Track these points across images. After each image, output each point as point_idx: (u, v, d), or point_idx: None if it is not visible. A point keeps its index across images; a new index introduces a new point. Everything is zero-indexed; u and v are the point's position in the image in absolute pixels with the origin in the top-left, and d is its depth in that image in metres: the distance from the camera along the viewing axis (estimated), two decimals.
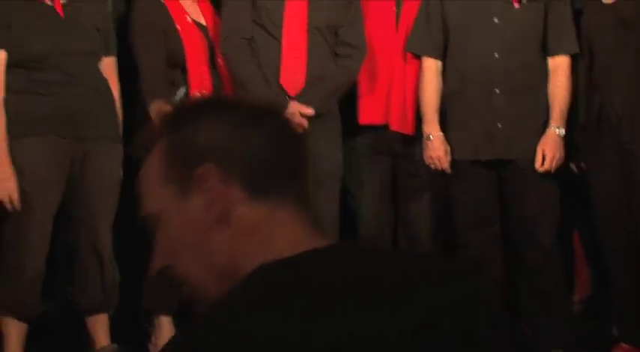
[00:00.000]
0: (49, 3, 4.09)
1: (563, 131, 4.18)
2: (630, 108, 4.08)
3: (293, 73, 4.23)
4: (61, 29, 4.07)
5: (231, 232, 1.40)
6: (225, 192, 1.42)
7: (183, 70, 4.25)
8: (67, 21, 4.10)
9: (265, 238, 1.41)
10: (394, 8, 4.38)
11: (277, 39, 4.23)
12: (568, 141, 4.24)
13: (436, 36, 4.27)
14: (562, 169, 4.25)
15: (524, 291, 4.27)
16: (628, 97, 4.09)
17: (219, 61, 4.30)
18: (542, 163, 4.16)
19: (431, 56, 4.27)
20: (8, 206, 3.95)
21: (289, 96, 4.20)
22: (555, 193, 4.25)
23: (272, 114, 1.49)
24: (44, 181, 4.04)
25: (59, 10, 4.09)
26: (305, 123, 4.16)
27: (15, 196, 3.96)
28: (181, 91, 4.26)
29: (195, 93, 4.21)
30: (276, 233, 1.41)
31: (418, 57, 4.31)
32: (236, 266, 1.39)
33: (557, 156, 4.15)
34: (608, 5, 4.14)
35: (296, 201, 1.44)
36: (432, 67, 4.26)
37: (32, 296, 4.06)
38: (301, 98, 4.20)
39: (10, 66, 4.02)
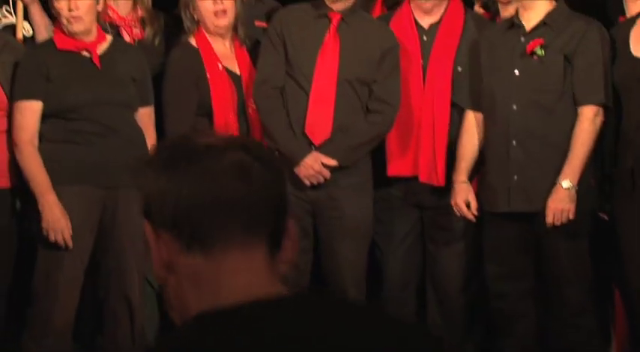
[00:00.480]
0: (86, 54, 4.16)
1: (570, 183, 4.07)
2: None
3: (319, 123, 4.28)
4: (97, 81, 4.15)
5: (177, 279, 1.42)
6: (161, 246, 1.44)
7: (210, 117, 4.29)
8: (104, 72, 4.18)
9: (208, 286, 1.40)
10: (421, 61, 4.42)
11: (306, 91, 4.28)
12: (597, 190, 4.23)
13: (478, 89, 4.29)
14: (592, 221, 4.21)
15: (555, 347, 4.22)
16: None
17: (250, 109, 4.35)
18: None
19: (473, 109, 4.29)
20: (61, 244, 4.00)
21: (314, 146, 4.25)
22: (584, 247, 4.19)
23: (212, 160, 1.43)
24: (77, 232, 4.07)
25: (96, 61, 4.16)
26: (326, 173, 4.22)
27: (67, 236, 4.03)
28: None
29: None
30: (220, 281, 1.40)
31: (461, 109, 4.33)
32: (185, 309, 1.41)
33: (566, 209, 4.06)
34: (637, 58, 4.11)
35: (246, 247, 1.41)
36: (470, 118, 4.28)
37: (62, 347, 4.07)
38: (325, 149, 4.24)
39: (47, 116, 4.09)
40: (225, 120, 4.29)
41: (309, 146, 4.27)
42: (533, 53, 4.14)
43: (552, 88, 4.15)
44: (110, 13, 4.45)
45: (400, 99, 4.34)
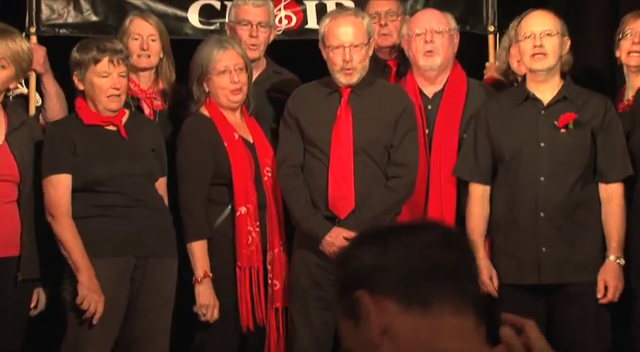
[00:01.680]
0: (111, 128, 4.17)
1: (622, 261, 4.14)
2: None
3: (341, 197, 4.27)
4: (122, 154, 4.16)
5: (394, 346, 1.47)
6: (379, 311, 1.48)
7: (229, 186, 4.28)
8: (129, 145, 4.19)
9: (424, 348, 1.46)
10: (426, 131, 4.43)
11: (326, 165, 4.28)
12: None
13: (482, 161, 4.29)
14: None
15: None
16: None
17: (265, 178, 4.34)
18: (605, 294, 4.11)
19: (477, 182, 4.29)
20: (90, 315, 3.99)
21: (339, 220, 4.24)
22: (608, 322, 4.18)
23: (425, 228, 1.56)
24: (110, 304, 4.04)
25: (124, 134, 4.18)
26: None
27: (100, 309, 4.01)
28: (226, 212, 4.30)
29: (241, 209, 4.25)
30: (435, 343, 1.45)
31: (465, 182, 4.32)
32: None
33: (620, 286, 4.12)
34: None
35: (460, 312, 1.47)
36: (478, 191, 4.28)
37: None
38: (347, 222, 4.23)
39: (75, 190, 4.07)
40: (246, 189, 4.28)
41: (334, 220, 4.25)
42: (565, 126, 4.17)
43: (581, 162, 4.17)
44: (132, 85, 4.45)
45: (418, 160, 4.32)
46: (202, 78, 4.33)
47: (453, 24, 4.56)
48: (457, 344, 1.46)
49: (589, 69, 4.97)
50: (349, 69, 4.25)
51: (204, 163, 4.29)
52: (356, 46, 4.24)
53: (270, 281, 4.33)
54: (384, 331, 1.48)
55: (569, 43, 4.29)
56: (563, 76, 4.31)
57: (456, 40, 4.55)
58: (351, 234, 4.16)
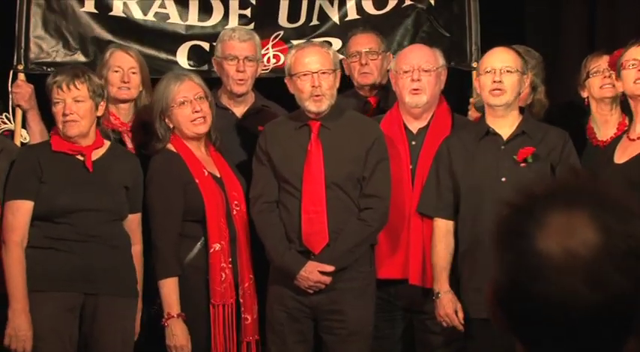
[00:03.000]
0: (81, 158, 4.13)
1: None
2: None
3: (315, 231, 4.24)
4: (87, 186, 4.10)
5: None
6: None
7: (202, 222, 4.23)
8: (95, 178, 4.13)
9: None
10: (410, 166, 4.42)
11: (297, 198, 4.26)
12: None
13: (446, 197, 4.27)
14: None
15: None
16: None
17: (235, 212, 4.29)
18: None
19: (441, 217, 4.27)
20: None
21: (314, 255, 4.21)
22: None
23: None
24: (49, 339, 3.99)
25: (89, 166, 4.12)
26: (326, 280, 4.19)
27: (28, 348, 3.94)
28: (198, 246, 4.25)
29: (215, 245, 4.20)
30: None
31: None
32: None
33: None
34: (619, 166, 4.15)
35: None
36: (442, 226, 4.25)
37: None
38: (322, 257, 4.21)
39: (34, 218, 4.04)
40: (219, 225, 4.23)
41: (308, 255, 4.22)
42: (524, 160, 4.16)
43: None
44: (112, 119, 4.46)
45: (390, 190, 4.30)
46: (164, 113, 4.30)
47: (441, 61, 4.56)
48: None
49: (565, 103, 5.00)
50: (318, 95, 4.24)
51: (174, 200, 4.24)
52: (323, 72, 4.25)
53: (242, 315, 4.27)
54: None
55: (528, 80, 4.31)
56: (521, 111, 4.32)
57: (443, 77, 4.54)
58: (326, 267, 4.19)
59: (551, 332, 1.32)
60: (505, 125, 4.25)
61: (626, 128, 4.40)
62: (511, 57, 4.25)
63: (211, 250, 4.21)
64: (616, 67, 4.22)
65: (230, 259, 4.24)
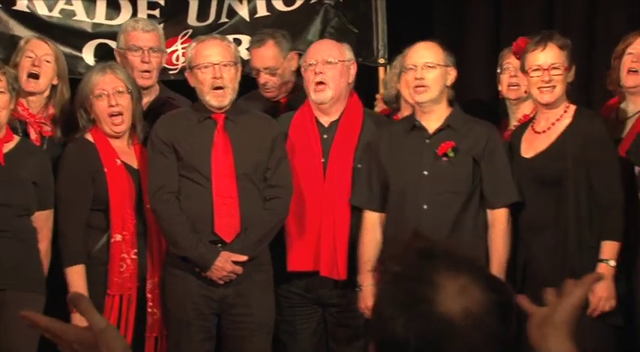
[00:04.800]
0: None
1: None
2: (556, 264, 4.04)
3: (228, 220, 4.19)
4: None
5: None
6: None
7: (107, 213, 4.17)
8: (5, 173, 4.06)
9: None
10: (322, 159, 4.39)
11: (207, 188, 4.19)
12: None
13: (375, 189, 4.26)
14: None
15: None
16: (553, 255, 4.07)
17: (148, 205, 4.22)
18: None
19: (370, 209, 4.26)
20: None
21: (224, 244, 4.16)
22: None
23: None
24: None
25: (1, 160, 4.06)
26: (239, 269, 4.14)
27: None
28: (104, 238, 4.20)
29: (116, 236, 4.15)
30: None
31: (360, 209, 4.29)
32: None
33: None
34: (527, 160, 4.19)
35: None
36: (370, 219, 4.24)
37: None
38: (234, 245, 4.17)
39: None
40: (122, 216, 4.18)
41: (217, 244, 4.17)
42: (445, 155, 4.17)
43: (462, 189, 4.16)
44: (20, 109, 4.33)
45: (292, 182, 4.30)
46: (85, 103, 4.25)
47: (349, 55, 4.49)
48: None
49: (474, 101, 5.07)
50: (220, 87, 4.20)
51: (82, 189, 4.19)
52: (225, 64, 4.21)
53: (150, 310, 4.22)
54: None
55: (454, 72, 4.27)
56: (451, 104, 4.31)
57: (353, 71, 4.48)
58: (239, 257, 4.15)
59: None
60: (432, 119, 4.24)
61: (530, 119, 4.42)
62: (432, 52, 4.23)
63: (112, 240, 4.15)
64: (521, 60, 4.22)
65: (136, 251, 4.18)
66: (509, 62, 4.55)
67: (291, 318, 4.41)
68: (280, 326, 4.37)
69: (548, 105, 4.16)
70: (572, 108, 4.19)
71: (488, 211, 4.20)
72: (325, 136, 4.46)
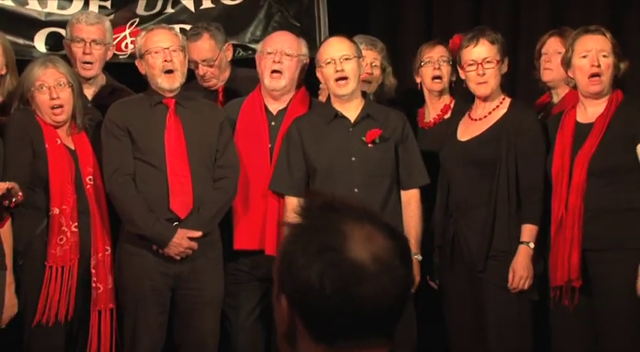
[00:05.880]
0: None
1: (419, 256, 4.31)
2: (483, 242, 4.21)
3: (181, 198, 4.29)
4: None
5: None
6: (291, 320, 1.47)
7: (47, 190, 4.21)
8: None
9: None
10: (269, 145, 4.53)
11: (162, 170, 4.29)
12: (428, 260, 4.40)
13: (296, 175, 4.37)
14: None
15: None
16: (481, 233, 4.22)
17: (87, 185, 4.29)
18: None
19: (292, 194, 4.35)
20: None
21: (179, 220, 4.27)
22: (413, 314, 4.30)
23: (341, 263, 1.44)
24: None
25: None
26: (194, 245, 4.26)
27: None
28: (44, 222, 4.23)
29: (54, 209, 4.18)
30: None
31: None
32: None
33: (415, 279, 4.23)
34: (463, 143, 4.35)
35: (364, 349, 1.45)
36: (293, 204, 4.31)
37: None
38: (188, 222, 4.27)
39: None
40: (62, 190, 4.21)
41: (173, 222, 4.27)
42: (372, 142, 4.34)
43: (388, 172, 4.35)
44: None
45: (239, 163, 4.41)
46: (26, 95, 4.27)
47: (305, 50, 4.65)
48: None
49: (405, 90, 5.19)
50: (171, 70, 4.31)
51: (23, 150, 4.21)
52: (174, 50, 4.33)
53: (94, 285, 4.26)
54: (287, 335, 1.51)
55: (364, 63, 4.45)
56: (363, 95, 4.49)
57: (305, 66, 4.63)
58: (195, 233, 4.26)
59: (361, 322, 1.45)
60: (351, 109, 4.39)
61: (451, 109, 4.66)
62: (346, 45, 4.38)
63: (51, 213, 4.19)
64: (458, 55, 4.39)
65: (76, 224, 4.22)
66: (430, 56, 4.71)
67: (236, 294, 4.53)
68: (226, 300, 4.47)
69: (486, 98, 4.34)
70: (508, 100, 4.37)
71: (403, 192, 4.39)
72: (273, 123, 4.59)
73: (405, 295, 1.48)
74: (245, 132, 4.58)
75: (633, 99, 4.22)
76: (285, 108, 4.63)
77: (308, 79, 4.77)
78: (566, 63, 4.21)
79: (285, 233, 1.53)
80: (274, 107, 4.64)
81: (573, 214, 4.08)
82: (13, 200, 3.80)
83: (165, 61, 4.31)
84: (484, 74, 4.30)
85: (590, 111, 4.19)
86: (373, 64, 4.86)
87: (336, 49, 4.37)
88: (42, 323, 4.18)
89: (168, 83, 4.34)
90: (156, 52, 4.34)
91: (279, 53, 4.56)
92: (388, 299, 1.44)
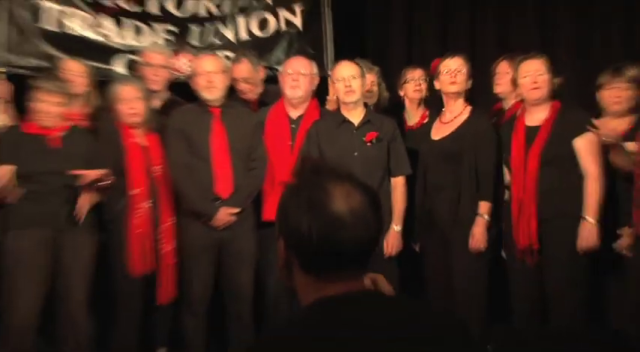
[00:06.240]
0: (47, 136, 4.14)
1: (399, 228, 4.36)
2: (451, 212, 4.31)
3: (223, 184, 4.34)
4: (52, 156, 4.14)
5: (293, 280, 1.48)
6: (288, 256, 1.46)
7: (126, 177, 4.26)
8: (62, 149, 4.15)
9: (313, 293, 1.44)
10: (290, 142, 4.65)
11: (209, 162, 4.33)
12: (409, 229, 4.43)
13: None
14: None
15: None
16: (449, 206, 4.31)
17: (155, 173, 4.35)
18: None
19: None
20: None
21: (222, 201, 4.30)
22: (396, 272, 4.34)
23: (328, 207, 1.40)
24: (32, 259, 4.02)
25: (53, 143, 4.17)
26: (233, 219, 4.30)
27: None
28: (122, 201, 4.29)
29: (133, 191, 4.23)
30: (326, 290, 1.42)
31: None
32: (300, 298, 1.47)
33: (396, 245, 4.34)
34: (435, 141, 4.41)
35: (343, 278, 1.42)
36: None
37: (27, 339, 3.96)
38: (230, 201, 4.31)
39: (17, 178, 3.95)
40: (137, 178, 4.24)
41: (217, 201, 4.31)
42: (370, 141, 4.38)
43: (382, 165, 4.40)
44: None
45: (267, 157, 4.47)
46: (110, 105, 4.39)
47: (315, 70, 4.70)
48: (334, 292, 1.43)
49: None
50: (212, 87, 4.39)
51: (109, 148, 4.29)
52: (215, 72, 4.41)
53: (161, 246, 4.30)
54: (285, 269, 1.51)
55: (367, 81, 4.52)
56: (365, 105, 4.54)
57: (316, 82, 4.69)
58: (234, 209, 4.30)
59: (341, 260, 1.44)
60: (355, 116, 4.44)
61: (427, 118, 4.76)
62: (354, 67, 4.45)
63: (132, 193, 4.24)
64: (436, 72, 4.46)
65: (148, 202, 4.25)
66: (414, 75, 4.90)
67: (265, 254, 4.57)
68: (259, 261, 4.54)
69: (454, 95, 4.37)
70: (469, 108, 4.42)
71: (392, 179, 4.44)
72: (293, 126, 4.65)
73: (376, 236, 1.45)
74: (272, 132, 4.61)
75: (568, 106, 4.23)
76: (302, 115, 4.68)
77: (318, 92, 4.80)
78: (514, 82, 4.27)
79: (283, 190, 1.49)
80: (294, 114, 4.67)
81: (530, 194, 4.09)
82: (106, 182, 3.93)
83: (208, 80, 4.35)
84: (454, 79, 4.35)
85: (535, 117, 4.21)
86: (373, 84, 4.93)
87: (346, 70, 4.41)
88: (127, 273, 4.25)
89: (210, 95, 4.37)
90: (201, 74, 4.38)
91: (296, 73, 4.60)
92: (362, 241, 1.43)
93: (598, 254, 3.98)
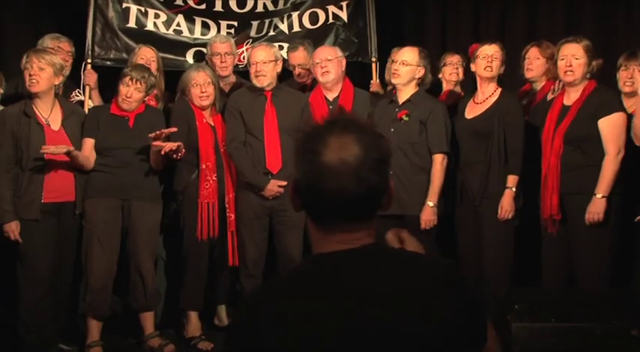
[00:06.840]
0: (126, 118, 3.85)
1: (433, 203, 3.86)
2: (481, 186, 3.85)
3: (274, 160, 3.99)
4: (126, 134, 3.83)
5: (309, 232, 1.32)
6: (295, 199, 1.30)
7: (198, 153, 3.97)
8: (135, 127, 3.84)
9: (321, 243, 1.28)
10: None
11: (260, 139, 3.99)
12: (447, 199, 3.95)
13: None
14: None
15: None
16: (479, 180, 3.85)
17: (222, 149, 4.03)
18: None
19: None
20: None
21: (272, 175, 3.97)
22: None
23: (331, 167, 1.22)
24: (106, 226, 3.75)
25: (131, 123, 3.86)
26: (281, 191, 3.95)
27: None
28: (196, 171, 3.98)
29: (203, 164, 3.93)
30: (328, 243, 1.27)
31: None
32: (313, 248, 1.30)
33: (430, 220, 3.87)
34: (468, 120, 3.92)
35: (343, 229, 1.25)
36: None
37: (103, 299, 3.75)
38: (279, 175, 3.97)
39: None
40: (207, 153, 3.96)
41: (268, 175, 3.98)
42: (401, 119, 3.93)
43: (412, 140, 3.90)
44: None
45: None
46: (185, 89, 4.04)
47: (339, 53, 4.20)
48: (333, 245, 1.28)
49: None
50: (260, 76, 4.03)
51: (181, 126, 3.95)
52: (264, 62, 4.02)
53: (228, 214, 4.01)
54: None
55: (423, 70, 3.97)
56: (419, 85, 4.02)
57: (343, 63, 4.19)
58: (282, 183, 3.94)
59: (330, 210, 1.25)
60: (402, 96, 3.96)
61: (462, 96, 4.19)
62: (410, 54, 3.95)
63: (202, 166, 3.94)
64: (473, 56, 3.97)
65: (215, 175, 3.95)
66: (452, 60, 4.43)
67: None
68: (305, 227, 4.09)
69: (487, 79, 3.90)
70: (499, 90, 3.92)
71: (432, 156, 3.93)
72: (330, 107, 4.19)
73: (370, 194, 1.23)
74: (313, 112, 4.19)
75: (602, 88, 3.71)
76: (337, 96, 4.22)
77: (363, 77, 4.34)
78: (554, 63, 3.79)
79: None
80: (330, 96, 4.21)
81: (553, 170, 3.69)
82: (179, 154, 3.68)
83: (257, 70, 4.00)
84: (490, 64, 3.90)
85: (571, 97, 3.73)
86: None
87: (400, 55, 3.97)
88: (195, 237, 3.98)
89: (259, 82, 4.02)
90: (252, 64, 4.03)
91: (323, 60, 4.13)
92: (347, 194, 1.22)
93: (622, 224, 3.60)
